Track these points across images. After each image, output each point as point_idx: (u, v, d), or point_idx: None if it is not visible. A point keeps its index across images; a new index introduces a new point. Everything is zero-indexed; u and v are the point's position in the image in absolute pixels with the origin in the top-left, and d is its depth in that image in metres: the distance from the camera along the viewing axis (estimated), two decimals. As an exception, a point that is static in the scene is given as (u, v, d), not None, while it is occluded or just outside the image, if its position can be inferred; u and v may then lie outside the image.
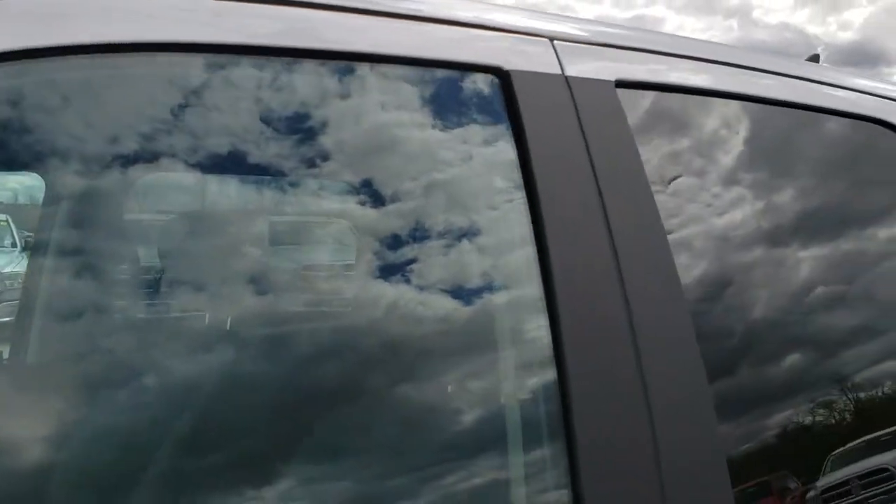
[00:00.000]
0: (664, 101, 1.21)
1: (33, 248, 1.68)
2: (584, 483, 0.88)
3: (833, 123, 1.47)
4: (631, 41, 1.23)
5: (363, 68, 1.00)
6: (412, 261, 1.01)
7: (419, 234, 1.01)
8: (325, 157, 0.99)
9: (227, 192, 1.11)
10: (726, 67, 1.33)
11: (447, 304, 1.02)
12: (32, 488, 0.80)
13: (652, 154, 1.15)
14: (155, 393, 0.91)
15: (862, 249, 1.42)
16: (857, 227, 1.42)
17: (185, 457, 0.88)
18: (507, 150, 1.03)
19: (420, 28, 1.04)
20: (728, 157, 1.26)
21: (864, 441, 1.27)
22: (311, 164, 0.99)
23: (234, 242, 1.13)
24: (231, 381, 0.96)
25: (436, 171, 1.03)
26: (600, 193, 1.04)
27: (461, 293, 1.02)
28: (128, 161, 0.90)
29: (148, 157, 0.91)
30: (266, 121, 0.96)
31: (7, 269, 3.69)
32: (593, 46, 1.18)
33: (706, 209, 1.20)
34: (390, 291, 1.00)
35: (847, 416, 1.29)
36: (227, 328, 1.00)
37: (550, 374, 0.93)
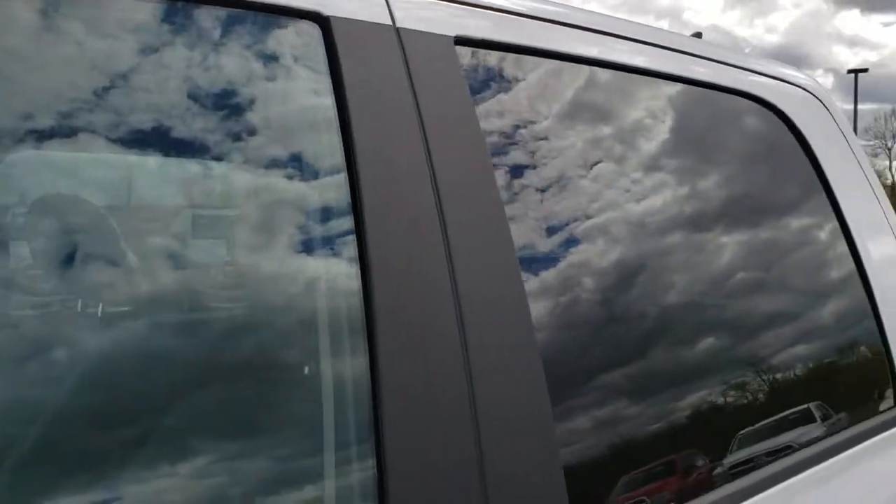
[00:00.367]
0: (509, 63, 1.12)
1: None
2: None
3: (695, 94, 1.43)
4: (478, -3, 1.13)
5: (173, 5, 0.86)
6: (211, 225, 0.88)
7: (214, 199, 0.88)
8: (118, 110, 0.85)
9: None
10: (584, 32, 1.25)
11: (255, 274, 0.90)
12: None
13: (491, 118, 1.06)
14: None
15: (722, 222, 1.39)
16: (713, 201, 1.38)
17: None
18: (324, 105, 0.92)
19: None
20: (578, 125, 1.19)
21: (771, 421, 1.32)
22: (88, 109, 0.84)
23: None
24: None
25: (239, 127, 0.90)
26: (430, 157, 0.94)
27: (271, 266, 0.90)
28: None
29: None
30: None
31: None
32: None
33: (550, 180, 1.12)
34: (187, 260, 0.88)
35: (747, 399, 1.31)
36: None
37: (361, 343, 0.83)
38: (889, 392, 1.55)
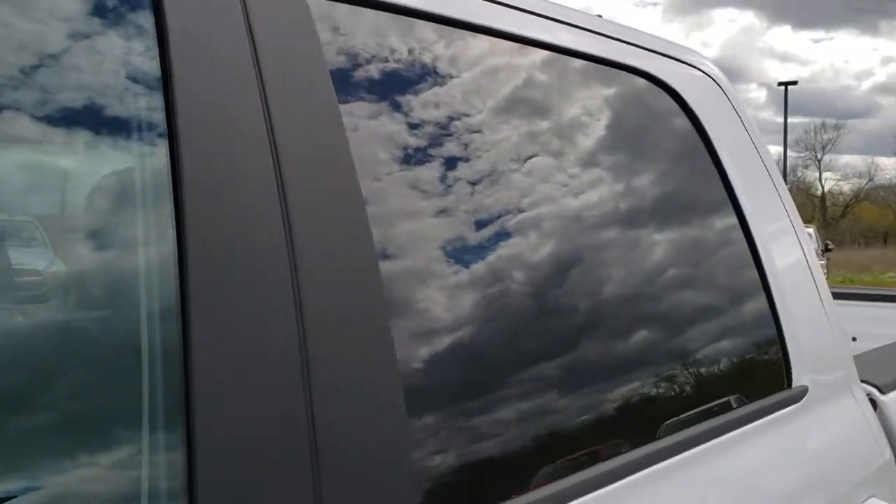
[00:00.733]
0: (372, 19, 1.03)
1: None
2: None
3: (581, 68, 1.36)
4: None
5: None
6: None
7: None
8: None
9: None
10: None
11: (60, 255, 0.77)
12: None
13: (346, 79, 0.96)
14: None
15: (607, 209, 1.32)
16: (597, 186, 1.32)
17: None
18: (145, 55, 0.80)
19: None
20: (446, 95, 1.09)
21: (696, 412, 1.32)
22: None
23: None
24: None
25: (37, 85, 0.77)
26: (269, 120, 0.84)
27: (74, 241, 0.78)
28: None
29: None
30: None
31: None
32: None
33: (410, 147, 1.02)
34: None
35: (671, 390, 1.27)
36: None
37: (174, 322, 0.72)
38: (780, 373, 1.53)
